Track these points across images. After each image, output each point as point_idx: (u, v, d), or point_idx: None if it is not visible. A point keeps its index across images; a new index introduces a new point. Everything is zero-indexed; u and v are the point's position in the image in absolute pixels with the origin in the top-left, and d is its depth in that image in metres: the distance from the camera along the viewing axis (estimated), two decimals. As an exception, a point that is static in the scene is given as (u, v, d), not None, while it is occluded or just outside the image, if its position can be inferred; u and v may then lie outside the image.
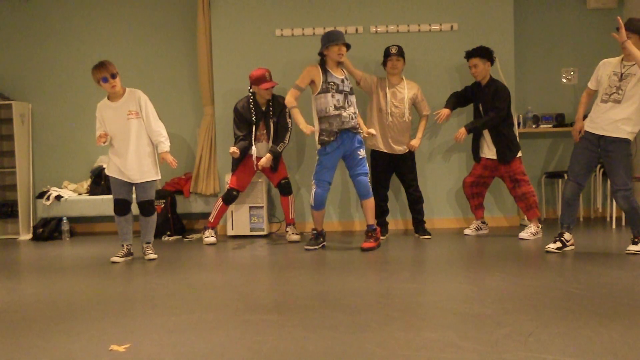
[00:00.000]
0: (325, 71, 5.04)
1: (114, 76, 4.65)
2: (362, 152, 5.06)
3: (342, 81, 5.05)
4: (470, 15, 6.24)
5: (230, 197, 5.68)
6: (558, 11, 6.84)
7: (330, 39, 4.99)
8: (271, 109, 5.65)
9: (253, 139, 5.63)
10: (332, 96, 4.98)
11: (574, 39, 6.83)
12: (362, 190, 5.03)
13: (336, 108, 4.97)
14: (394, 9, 6.27)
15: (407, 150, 5.63)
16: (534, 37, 6.80)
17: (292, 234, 5.72)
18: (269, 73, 5.61)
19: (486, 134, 5.50)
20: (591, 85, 4.58)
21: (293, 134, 6.13)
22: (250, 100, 5.64)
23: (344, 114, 4.98)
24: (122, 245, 4.91)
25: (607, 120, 4.37)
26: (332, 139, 4.98)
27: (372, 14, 6.29)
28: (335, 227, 6.35)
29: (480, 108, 5.49)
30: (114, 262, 4.78)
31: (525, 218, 5.61)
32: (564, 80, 6.87)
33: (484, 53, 5.45)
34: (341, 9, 6.30)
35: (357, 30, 6.27)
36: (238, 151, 5.44)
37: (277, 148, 5.59)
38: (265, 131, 5.70)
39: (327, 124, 4.99)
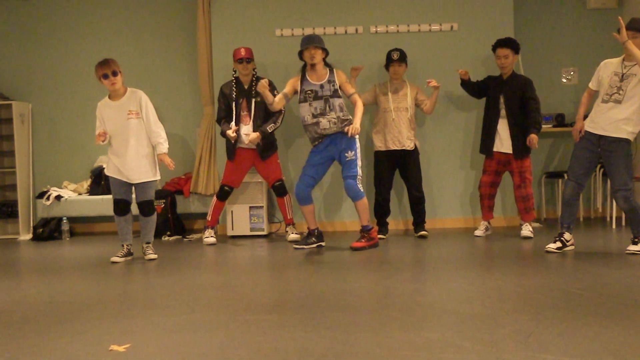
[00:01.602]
0: (303, 80, 5.08)
1: (115, 74, 4.65)
2: (350, 154, 5.00)
3: (322, 86, 5.03)
4: (470, 15, 6.24)
5: (222, 194, 5.68)
6: (558, 11, 6.84)
7: (301, 44, 5.08)
8: (253, 88, 5.64)
9: (233, 119, 5.59)
10: (310, 105, 5.02)
11: (574, 39, 6.83)
12: (349, 193, 5.01)
13: (314, 116, 5.01)
14: (394, 9, 6.27)
15: (413, 147, 5.64)
16: (534, 37, 6.80)
17: (292, 233, 5.73)
18: (247, 50, 5.61)
19: (502, 127, 5.44)
20: (592, 85, 4.58)
21: (290, 136, 6.15)
22: (233, 80, 5.69)
23: (323, 120, 4.98)
24: (122, 245, 4.91)
25: (608, 120, 4.37)
26: (317, 142, 5.04)
27: (372, 14, 6.29)
28: (335, 227, 6.35)
29: (502, 100, 5.42)
30: (114, 262, 4.78)
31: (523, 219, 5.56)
32: (564, 80, 6.87)
33: (515, 45, 5.43)
34: (341, 9, 6.30)
35: (357, 30, 6.27)
36: (235, 133, 5.46)
37: (267, 128, 5.54)
38: (247, 112, 5.65)
39: (309, 132, 5.08)
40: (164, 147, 4.79)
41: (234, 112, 5.61)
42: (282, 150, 6.34)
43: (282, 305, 3.23)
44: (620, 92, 4.34)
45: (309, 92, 5.03)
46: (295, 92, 5.13)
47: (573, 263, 4.20)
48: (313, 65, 5.06)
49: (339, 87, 5.11)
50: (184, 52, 6.80)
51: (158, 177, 4.91)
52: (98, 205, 6.45)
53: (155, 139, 4.79)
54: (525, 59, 6.67)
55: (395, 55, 5.59)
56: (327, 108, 5.00)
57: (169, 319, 3.04)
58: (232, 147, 5.63)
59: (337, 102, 5.04)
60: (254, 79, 5.66)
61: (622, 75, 4.35)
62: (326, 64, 5.17)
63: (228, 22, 6.32)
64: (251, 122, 5.60)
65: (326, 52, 5.12)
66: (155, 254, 4.93)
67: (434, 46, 6.25)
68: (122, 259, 4.86)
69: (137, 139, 4.75)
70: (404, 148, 5.60)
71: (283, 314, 3.04)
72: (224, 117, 5.67)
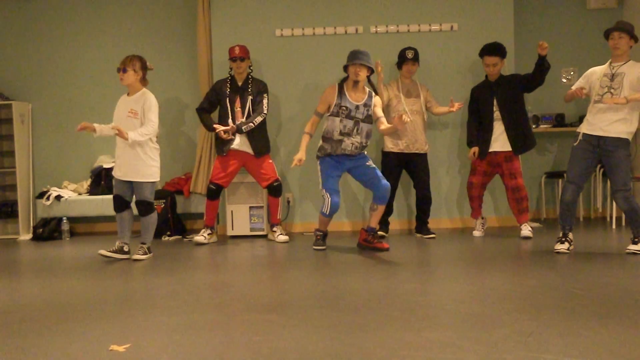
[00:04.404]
0: (341, 94, 4.97)
1: (124, 70, 4.78)
2: (371, 163, 5.03)
3: (357, 107, 4.94)
4: (470, 15, 6.24)
5: (210, 192, 5.67)
6: (558, 11, 6.85)
7: (348, 58, 4.93)
8: (250, 86, 5.68)
9: (230, 115, 5.64)
10: (341, 121, 4.93)
11: (574, 39, 6.83)
12: (386, 194, 4.92)
13: (341, 134, 4.93)
14: (394, 9, 6.28)
15: (425, 151, 5.66)
16: (534, 37, 6.80)
17: (280, 234, 5.72)
18: (241, 48, 5.65)
19: (497, 129, 5.41)
20: (576, 85, 4.61)
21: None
22: (228, 77, 5.75)
23: (347, 141, 4.92)
24: (117, 242, 4.95)
25: (605, 121, 4.39)
26: (327, 155, 5.01)
27: (372, 14, 6.29)
28: (334, 227, 6.35)
29: (495, 102, 5.40)
30: (101, 255, 4.84)
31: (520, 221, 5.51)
32: (564, 80, 6.87)
33: (502, 51, 5.41)
34: (341, 9, 6.30)
35: (357, 30, 6.27)
36: (223, 128, 5.50)
37: (242, 126, 5.55)
38: (240, 109, 5.67)
39: (328, 146, 4.99)
40: (133, 135, 4.68)
41: (228, 109, 5.66)
42: (283, 155, 6.35)
43: (282, 305, 3.23)
44: (612, 90, 4.38)
45: (344, 107, 4.93)
46: (329, 107, 5.00)
47: (573, 263, 4.20)
48: (356, 83, 4.95)
49: (373, 113, 5.02)
50: (184, 52, 6.81)
51: (153, 180, 4.86)
52: (98, 205, 6.45)
53: (141, 127, 4.76)
54: (525, 59, 6.67)
55: (410, 54, 5.59)
56: (355, 130, 4.93)
57: (169, 319, 3.04)
58: (226, 143, 5.65)
59: (366, 127, 4.97)
60: (249, 77, 5.69)
61: (612, 76, 4.41)
62: (369, 82, 5.05)
63: (228, 22, 6.32)
64: (244, 119, 5.64)
65: (371, 71, 4.98)
66: (143, 255, 4.91)
67: (434, 46, 6.25)
68: (110, 254, 4.87)
69: None
70: (413, 151, 5.61)
71: (283, 314, 3.04)
72: (205, 108, 5.75)
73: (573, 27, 6.85)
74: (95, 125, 4.79)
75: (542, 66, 5.13)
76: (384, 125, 4.90)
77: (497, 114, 5.42)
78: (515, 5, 6.55)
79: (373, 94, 5.06)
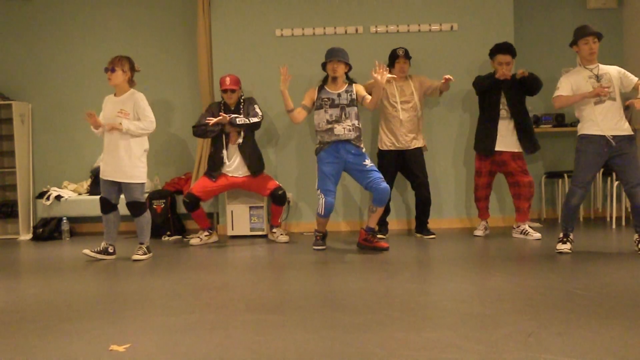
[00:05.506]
0: (321, 89, 5.18)
1: (112, 70, 4.74)
2: (368, 162, 5.04)
3: (339, 95, 5.11)
4: (470, 15, 6.24)
5: (187, 206, 5.55)
6: (558, 11, 6.85)
7: (326, 56, 5.17)
8: (242, 107, 5.66)
9: (224, 136, 5.60)
10: (326, 111, 5.09)
11: (574, 39, 6.83)
12: (384, 197, 4.92)
13: (328, 122, 5.06)
14: (394, 9, 6.28)
15: (421, 145, 5.66)
16: (534, 37, 6.80)
17: (281, 234, 5.72)
18: (232, 79, 5.61)
19: (503, 128, 5.41)
20: (563, 92, 4.56)
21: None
22: (221, 103, 5.72)
23: (338, 127, 5.03)
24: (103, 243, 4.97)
25: (614, 120, 4.42)
26: (324, 147, 5.05)
27: (372, 14, 6.29)
28: (332, 228, 6.35)
29: (504, 101, 5.40)
30: (85, 254, 4.87)
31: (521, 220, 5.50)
32: (564, 80, 6.86)
33: (514, 50, 5.42)
34: (341, 9, 6.30)
35: (357, 30, 6.27)
36: (216, 120, 5.38)
37: (237, 119, 5.47)
38: (234, 131, 5.61)
39: (321, 137, 5.11)
40: (127, 123, 4.70)
41: (223, 132, 5.60)
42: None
43: (282, 305, 3.23)
44: (609, 89, 4.41)
45: (326, 99, 5.12)
46: (313, 102, 5.21)
47: (573, 263, 4.20)
48: (334, 78, 5.14)
49: (356, 97, 5.14)
50: (183, 53, 6.81)
51: (140, 181, 4.84)
52: (98, 206, 6.43)
53: (139, 121, 4.75)
54: (525, 59, 6.67)
55: (401, 52, 5.60)
56: (343, 116, 5.06)
57: (169, 319, 3.04)
58: (219, 166, 5.60)
59: (353, 110, 5.10)
60: (241, 100, 5.69)
61: (597, 77, 4.46)
62: (348, 78, 5.22)
63: (228, 22, 6.32)
64: (241, 139, 5.59)
65: (349, 67, 5.18)
66: (143, 255, 4.91)
67: (434, 46, 6.25)
68: (94, 254, 4.89)
69: (121, 139, 4.76)
70: (410, 147, 5.60)
71: (283, 314, 3.04)
72: (202, 122, 5.58)
73: (573, 27, 6.82)
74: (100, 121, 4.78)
75: (527, 82, 5.31)
76: (369, 97, 5.03)
77: (503, 112, 5.41)
78: (515, 5, 6.55)
79: (354, 83, 5.22)
